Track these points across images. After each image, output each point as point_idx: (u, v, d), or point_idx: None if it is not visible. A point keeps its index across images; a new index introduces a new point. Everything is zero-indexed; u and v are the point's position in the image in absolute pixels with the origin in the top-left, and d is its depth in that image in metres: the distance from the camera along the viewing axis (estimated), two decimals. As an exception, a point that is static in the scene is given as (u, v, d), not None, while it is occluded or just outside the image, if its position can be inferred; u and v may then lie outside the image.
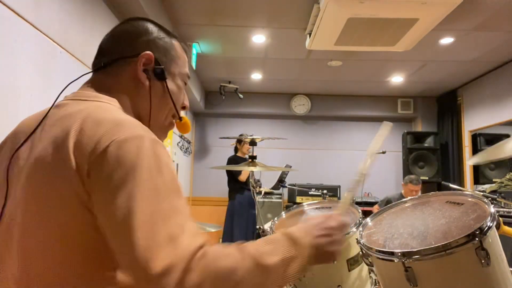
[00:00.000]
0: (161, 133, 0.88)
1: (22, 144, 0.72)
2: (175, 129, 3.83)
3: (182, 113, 0.92)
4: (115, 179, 0.59)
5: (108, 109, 0.72)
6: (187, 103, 0.91)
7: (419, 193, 4.24)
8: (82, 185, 0.62)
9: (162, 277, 0.53)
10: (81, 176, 0.62)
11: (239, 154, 4.42)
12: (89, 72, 0.84)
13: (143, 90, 0.80)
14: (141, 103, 0.81)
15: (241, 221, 4.22)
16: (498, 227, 1.02)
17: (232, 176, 4.32)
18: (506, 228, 1.14)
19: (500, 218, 1.06)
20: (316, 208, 1.74)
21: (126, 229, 0.56)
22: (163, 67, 0.81)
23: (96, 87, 0.79)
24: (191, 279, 0.55)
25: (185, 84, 0.90)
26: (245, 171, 4.19)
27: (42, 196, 0.65)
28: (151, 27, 0.84)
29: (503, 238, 1.06)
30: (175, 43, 0.87)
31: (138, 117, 0.80)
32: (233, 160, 4.33)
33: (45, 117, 0.73)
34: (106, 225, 0.60)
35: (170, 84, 0.83)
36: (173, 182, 0.63)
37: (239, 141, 4.36)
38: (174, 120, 0.89)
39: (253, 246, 0.66)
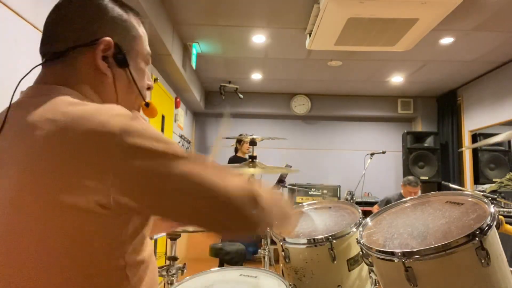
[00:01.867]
0: None
1: None
2: (175, 129, 3.81)
3: (148, 97, 0.86)
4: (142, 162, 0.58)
5: (75, 102, 0.64)
6: (150, 83, 0.84)
7: (418, 193, 4.24)
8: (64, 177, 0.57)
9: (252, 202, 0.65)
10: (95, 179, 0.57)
11: (239, 154, 4.42)
12: (41, 64, 0.75)
13: (106, 80, 0.73)
14: (106, 93, 0.74)
15: None
16: (498, 227, 1.02)
17: None
18: (508, 227, 1.14)
19: (502, 217, 1.06)
20: (316, 208, 1.74)
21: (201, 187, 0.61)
22: (124, 52, 0.73)
23: (53, 80, 0.71)
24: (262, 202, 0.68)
25: (147, 63, 0.82)
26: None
27: (24, 209, 0.57)
28: (103, 3, 0.74)
29: (503, 238, 1.06)
30: (133, 19, 0.79)
31: None
32: (234, 160, 4.32)
33: (5, 119, 0.66)
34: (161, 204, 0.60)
35: (133, 69, 0.76)
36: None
37: (239, 141, 4.36)
38: (140, 107, 0.83)
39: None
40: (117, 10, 0.75)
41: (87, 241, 0.59)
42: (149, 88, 0.84)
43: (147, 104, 0.82)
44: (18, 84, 0.75)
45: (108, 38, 0.71)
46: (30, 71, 0.76)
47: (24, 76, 0.75)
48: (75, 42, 0.71)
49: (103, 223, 0.60)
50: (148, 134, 0.60)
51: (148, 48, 0.82)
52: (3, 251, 0.59)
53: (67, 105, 0.62)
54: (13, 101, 0.71)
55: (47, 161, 0.57)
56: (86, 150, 0.57)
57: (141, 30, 0.81)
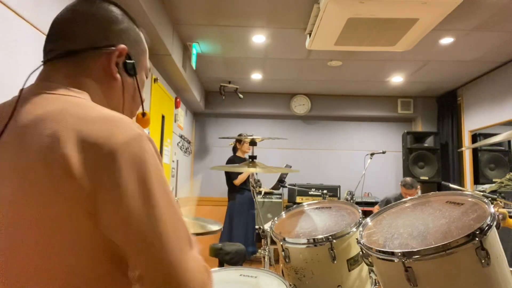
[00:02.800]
0: None
1: None
2: (175, 129, 3.82)
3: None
4: (127, 183, 0.57)
5: (88, 105, 0.65)
6: (144, 97, 0.86)
7: (418, 193, 4.24)
8: (84, 192, 0.57)
9: None
10: (84, 183, 0.57)
11: (238, 154, 4.41)
12: (49, 60, 0.73)
13: (115, 85, 0.75)
14: (114, 98, 0.76)
15: (240, 221, 4.21)
16: (498, 227, 1.02)
17: (229, 178, 4.31)
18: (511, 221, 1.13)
19: (506, 210, 1.06)
20: (316, 208, 1.74)
21: (155, 238, 0.58)
22: (134, 61, 0.76)
23: (62, 78, 0.71)
24: None
25: (147, 78, 0.85)
26: (241, 176, 4.18)
27: (31, 209, 0.58)
28: (119, 13, 0.77)
29: (503, 238, 1.06)
30: (141, 34, 0.81)
31: None
32: (232, 161, 4.31)
33: (13, 114, 0.65)
34: (120, 229, 0.58)
35: (138, 79, 0.79)
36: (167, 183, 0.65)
37: (239, 141, 4.35)
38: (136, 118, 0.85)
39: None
40: (129, 23, 0.79)
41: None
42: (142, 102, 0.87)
43: (144, 114, 0.83)
44: (26, 79, 0.74)
45: (124, 46, 0.74)
46: (37, 68, 0.75)
47: (34, 71, 0.75)
48: (91, 44, 0.72)
49: None
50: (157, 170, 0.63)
51: (148, 64, 0.86)
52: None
53: (86, 109, 0.63)
54: (13, 98, 0.70)
55: (63, 165, 0.57)
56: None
57: (146, 45, 0.84)
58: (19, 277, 0.59)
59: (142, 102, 0.81)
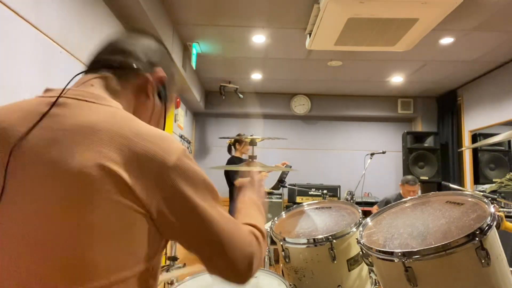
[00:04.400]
0: None
1: (21, 139, 0.65)
2: (175, 129, 3.81)
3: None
4: (181, 196, 0.66)
5: (130, 118, 0.70)
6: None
7: (418, 193, 4.24)
8: (136, 200, 0.63)
9: (249, 272, 0.74)
10: (137, 194, 0.62)
11: (237, 154, 4.36)
12: (95, 69, 0.78)
13: (148, 103, 0.82)
14: (142, 115, 0.81)
15: None
16: (498, 227, 1.02)
17: (229, 179, 4.25)
18: (508, 224, 1.14)
19: (502, 214, 1.06)
20: (316, 208, 1.74)
21: (218, 243, 0.70)
22: (167, 89, 0.85)
23: (103, 87, 0.75)
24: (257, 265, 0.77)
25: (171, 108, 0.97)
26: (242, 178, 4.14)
27: (66, 210, 0.60)
28: (163, 49, 0.89)
29: (503, 238, 1.06)
30: (175, 71, 0.92)
31: None
32: (233, 162, 4.24)
33: (45, 115, 0.67)
34: (187, 239, 0.70)
35: (167, 107, 0.88)
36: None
37: (239, 141, 4.31)
38: None
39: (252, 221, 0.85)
40: (170, 61, 0.90)
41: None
42: None
43: None
44: (65, 87, 0.76)
45: (164, 75, 0.84)
46: (80, 73, 0.80)
47: (74, 77, 0.79)
48: (136, 64, 0.80)
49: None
50: (195, 168, 0.71)
51: (175, 96, 0.95)
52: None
53: (130, 122, 0.68)
54: (37, 98, 0.74)
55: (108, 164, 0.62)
56: (146, 167, 0.64)
57: (177, 81, 0.95)
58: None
59: (164, 128, 0.89)
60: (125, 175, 0.61)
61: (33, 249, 0.60)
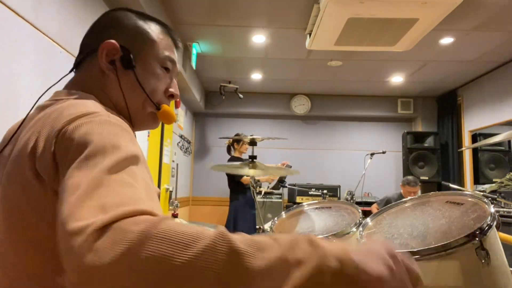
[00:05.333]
0: (145, 123, 0.82)
1: (4, 147, 0.70)
2: (175, 129, 3.81)
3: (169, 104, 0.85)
4: (69, 157, 0.55)
5: (80, 103, 0.66)
6: (173, 90, 0.83)
7: (418, 193, 4.24)
8: (42, 183, 0.59)
9: (74, 235, 0.43)
10: (44, 165, 0.58)
11: (236, 154, 4.36)
12: (69, 73, 0.81)
13: (111, 81, 0.76)
14: (115, 95, 0.76)
15: (244, 221, 4.19)
16: (498, 227, 1.02)
17: (233, 178, 4.25)
18: (502, 234, 1.13)
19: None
20: (316, 208, 1.74)
21: (68, 194, 0.49)
22: (131, 55, 0.75)
23: (72, 86, 0.76)
24: (103, 243, 0.41)
25: (167, 69, 0.81)
26: (247, 177, 4.13)
27: (8, 199, 0.63)
28: (121, 15, 0.79)
29: (503, 238, 1.06)
30: (153, 27, 0.80)
31: (118, 110, 0.77)
32: (233, 161, 4.26)
33: (25, 119, 0.71)
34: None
35: (142, 71, 0.77)
36: (128, 155, 0.55)
37: (237, 141, 4.31)
38: (154, 111, 0.81)
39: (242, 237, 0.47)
40: (134, 19, 0.79)
41: None
42: (172, 96, 0.83)
43: (158, 108, 0.80)
44: (44, 92, 0.80)
45: (111, 41, 0.74)
46: (58, 81, 0.83)
47: (52, 86, 0.81)
48: (90, 49, 0.77)
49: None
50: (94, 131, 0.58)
51: (168, 53, 0.81)
52: None
53: (72, 106, 0.65)
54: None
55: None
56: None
57: (162, 36, 0.81)
58: None
59: (147, 94, 0.77)
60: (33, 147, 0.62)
61: None
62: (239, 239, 0.45)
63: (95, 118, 0.59)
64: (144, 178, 0.55)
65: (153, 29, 0.80)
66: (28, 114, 0.72)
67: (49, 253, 0.59)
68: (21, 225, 0.61)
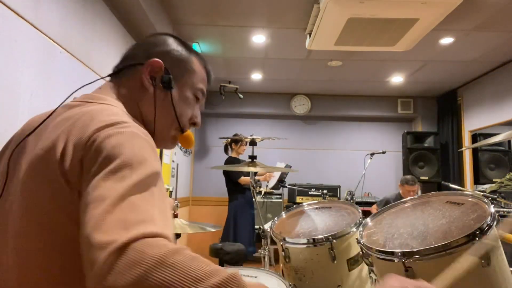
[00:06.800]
0: (165, 142, 0.88)
1: (24, 139, 0.72)
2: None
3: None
4: (97, 166, 0.57)
5: (110, 110, 0.70)
6: (197, 119, 0.91)
7: (418, 193, 4.24)
8: (68, 183, 0.61)
9: (98, 249, 0.48)
10: (70, 172, 0.60)
11: (233, 154, 4.34)
12: (105, 77, 0.86)
13: (147, 94, 0.81)
14: (146, 109, 0.81)
15: (243, 221, 4.19)
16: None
17: (230, 179, 4.24)
18: (506, 235, 1.13)
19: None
20: (316, 208, 1.74)
21: (94, 206, 0.53)
22: (171, 76, 0.82)
23: (105, 90, 0.80)
24: (121, 264, 0.47)
25: (197, 99, 0.89)
26: (245, 178, 4.14)
27: (32, 195, 0.64)
28: (171, 40, 0.87)
29: (503, 238, 1.06)
30: (194, 59, 0.88)
31: (144, 123, 0.81)
32: (232, 162, 4.24)
33: (51, 115, 0.73)
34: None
35: (177, 95, 0.84)
36: (149, 175, 0.59)
37: (235, 141, 4.30)
38: (177, 134, 0.89)
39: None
40: (180, 47, 0.87)
41: None
42: (194, 124, 0.91)
43: (183, 131, 0.88)
44: (74, 91, 0.84)
45: (158, 60, 0.81)
46: (91, 82, 0.86)
47: (84, 86, 0.84)
48: (133, 61, 0.83)
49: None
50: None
51: (202, 86, 0.89)
52: None
53: (102, 112, 0.69)
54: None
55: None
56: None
57: (200, 69, 0.89)
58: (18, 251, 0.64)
59: (177, 116, 0.84)
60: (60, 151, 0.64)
61: None
62: (251, 284, 0.53)
63: (125, 130, 0.62)
64: (162, 195, 0.59)
65: (195, 61, 0.88)
66: (54, 110, 0.74)
67: (76, 253, 0.58)
68: (49, 226, 0.62)
